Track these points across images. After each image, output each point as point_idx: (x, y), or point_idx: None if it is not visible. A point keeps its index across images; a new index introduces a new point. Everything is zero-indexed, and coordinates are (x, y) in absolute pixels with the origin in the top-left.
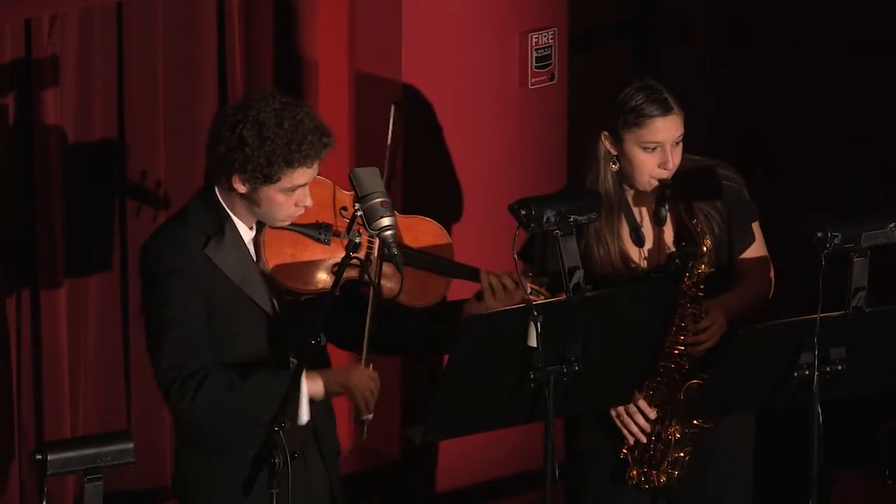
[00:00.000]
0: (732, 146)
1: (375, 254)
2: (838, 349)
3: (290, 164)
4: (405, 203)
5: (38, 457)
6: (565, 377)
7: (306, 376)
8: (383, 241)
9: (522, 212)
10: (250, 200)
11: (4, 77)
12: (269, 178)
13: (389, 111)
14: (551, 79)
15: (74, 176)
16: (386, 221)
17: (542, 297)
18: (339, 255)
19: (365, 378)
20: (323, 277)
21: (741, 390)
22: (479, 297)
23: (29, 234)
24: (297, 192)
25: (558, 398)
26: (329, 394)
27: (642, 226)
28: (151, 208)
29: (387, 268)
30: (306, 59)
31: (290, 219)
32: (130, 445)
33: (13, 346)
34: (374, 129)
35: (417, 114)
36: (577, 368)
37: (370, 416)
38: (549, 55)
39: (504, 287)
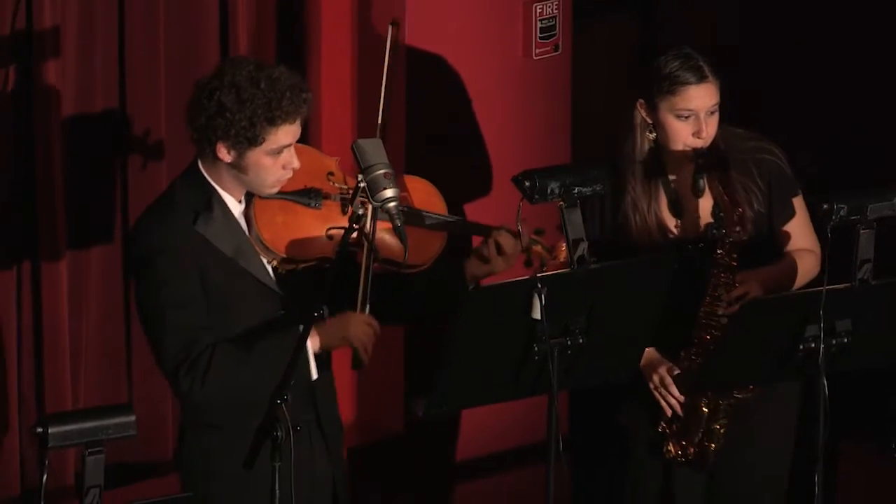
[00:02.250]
0: (735, 118)
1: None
2: (844, 322)
3: (273, 122)
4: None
5: (39, 430)
6: (569, 350)
7: None
8: (388, 213)
9: (526, 183)
10: (238, 169)
11: (5, 49)
12: (254, 140)
13: (387, 32)
14: (555, 49)
15: (76, 148)
16: (389, 193)
17: (541, 247)
18: (332, 220)
19: (362, 324)
20: (318, 242)
21: (746, 363)
22: (478, 254)
23: (30, 207)
24: (283, 154)
25: (562, 371)
26: (327, 347)
27: (680, 196)
28: (153, 180)
29: (382, 227)
30: (310, 25)
31: (279, 184)
32: (132, 418)
33: (14, 319)
34: (377, 98)
35: (421, 84)
36: (580, 341)
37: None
38: (554, 26)
39: (501, 247)
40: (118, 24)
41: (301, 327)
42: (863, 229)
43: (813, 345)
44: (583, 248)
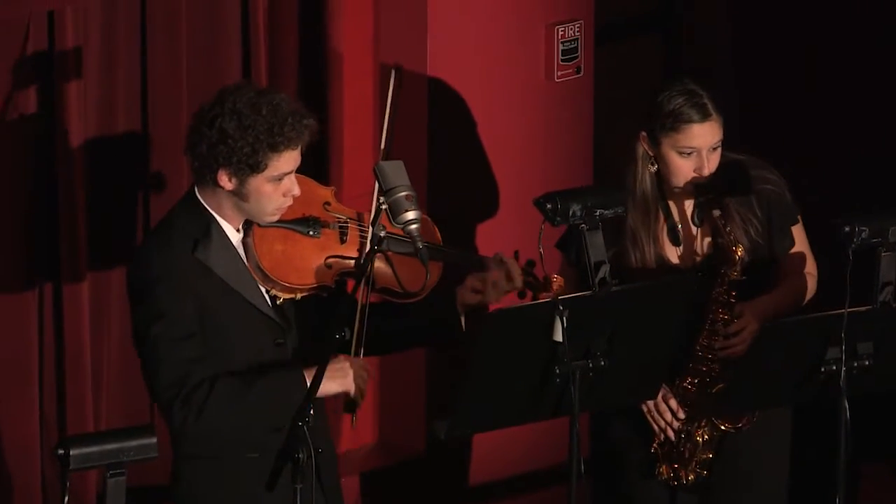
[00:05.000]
0: (758, 140)
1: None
2: (865, 344)
3: (275, 148)
4: (431, 197)
5: (61, 451)
6: (591, 372)
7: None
8: (409, 235)
9: (548, 206)
10: (238, 196)
11: (27, 70)
12: (256, 167)
13: (389, 77)
14: (577, 72)
15: (97, 168)
16: (411, 215)
17: (533, 279)
18: (331, 248)
19: (360, 370)
20: (318, 271)
21: (768, 385)
22: (471, 285)
23: (52, 228)
24: (284, 182)
25: (584, 393)
26: (325, 393)
27: (680, 226)
28: (175, 200)
29: (379, 261)
30: (331, 51)
31: (280, 212)
32: (153, 440)
33: (36, 339)
34: (399, 121)
35: (442, 107)
36: (602, 363)
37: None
38: (576, 48)
39: (495, 281)
40: (140, 45)
41: (319, 357)
42: (884, 252)
43: (834, 367)
44: (604, 270)
